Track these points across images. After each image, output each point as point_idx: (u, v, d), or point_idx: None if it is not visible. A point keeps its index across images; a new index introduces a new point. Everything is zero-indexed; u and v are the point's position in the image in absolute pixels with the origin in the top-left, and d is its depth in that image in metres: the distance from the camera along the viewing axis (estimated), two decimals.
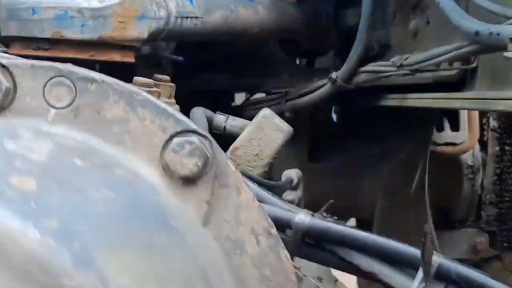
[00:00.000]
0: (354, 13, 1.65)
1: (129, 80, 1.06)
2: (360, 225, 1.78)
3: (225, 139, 1.05)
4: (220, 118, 1.04)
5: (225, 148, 1.00)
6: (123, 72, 1.04)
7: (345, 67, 1.36)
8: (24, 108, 0.57)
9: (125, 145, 0.57)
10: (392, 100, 1.33)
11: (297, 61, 1.86)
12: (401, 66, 1.24)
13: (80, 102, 0.58)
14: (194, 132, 0.57)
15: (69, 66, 0.58)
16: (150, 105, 0.58)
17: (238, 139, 1.00)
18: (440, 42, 1.14)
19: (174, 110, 0.58)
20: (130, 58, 1.04)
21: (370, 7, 1.31)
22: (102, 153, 0.54)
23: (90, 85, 0.58)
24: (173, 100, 1.09)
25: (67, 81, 0.58)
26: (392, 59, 1.26)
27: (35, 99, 0.58)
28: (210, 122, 1.05)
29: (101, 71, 1.03)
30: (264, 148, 0.99)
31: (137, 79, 1.03)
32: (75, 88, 0.58)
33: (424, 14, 1.36)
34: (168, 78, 1.10)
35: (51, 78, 0.57)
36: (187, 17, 1.18)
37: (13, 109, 0.57)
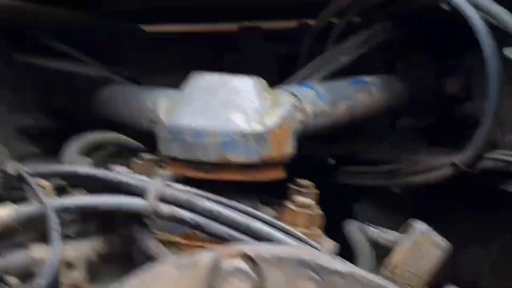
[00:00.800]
0: (454, 82, 1.65)
1: None
2: None
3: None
4: (372, 232, 1.04)
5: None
6: None
7: (469, 153, 1.34)
8: None
9: None
10: None
11: None
12: None
13: None
14: None
15: (315, 258, 0.58)
16: None
17: (395, 256, 0.99)
18: None
19: None
20: (283, 174, 1.03)
21: (497, 99, 1.28)
22: None
23: (338, 279, 0.58)
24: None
25: (314, 275, 0.57)
26: None
27: None
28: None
29: None
30: (422, 266, 0.99)
31: (295, 199, 1.03)
32: (323, 282, 0.57)
33: None
34: (310, 183, 1.10)
35: (297, 271, 0.57)
36: (320, 116, 1.18)
37: None
